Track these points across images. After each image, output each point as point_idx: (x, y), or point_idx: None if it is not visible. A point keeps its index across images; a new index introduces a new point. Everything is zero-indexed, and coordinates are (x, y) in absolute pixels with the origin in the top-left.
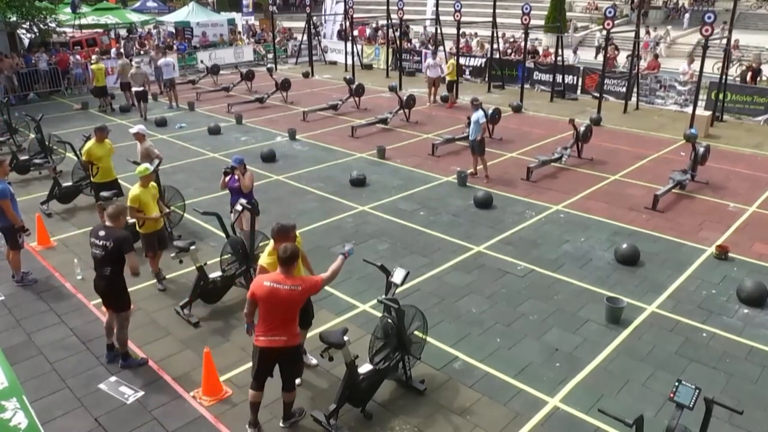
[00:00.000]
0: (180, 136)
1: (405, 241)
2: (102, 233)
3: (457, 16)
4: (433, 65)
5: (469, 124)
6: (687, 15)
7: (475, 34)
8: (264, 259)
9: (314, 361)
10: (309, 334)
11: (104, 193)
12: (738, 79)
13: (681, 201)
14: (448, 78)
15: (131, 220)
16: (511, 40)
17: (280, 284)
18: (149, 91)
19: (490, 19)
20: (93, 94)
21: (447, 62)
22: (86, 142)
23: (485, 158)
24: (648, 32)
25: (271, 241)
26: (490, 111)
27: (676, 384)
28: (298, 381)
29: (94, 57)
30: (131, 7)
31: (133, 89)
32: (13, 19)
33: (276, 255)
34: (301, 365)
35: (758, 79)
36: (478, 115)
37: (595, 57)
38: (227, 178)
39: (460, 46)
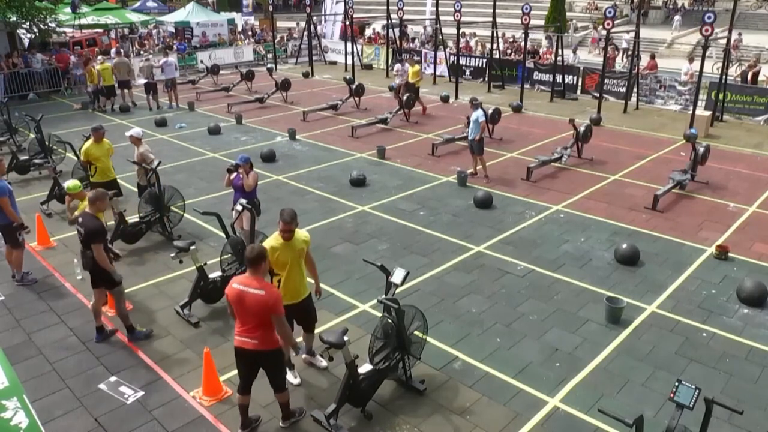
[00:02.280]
0: (180, 136)
1: (405, 241)
2: (80, 220)
3: (457, 16)
4: (401, 71)
5: (468, 123)
6: (677, 17)
7: (474, 34)
8: (268, 242)
9: (324, 364)
10: None
11: None
12: (738, 79)
13: (681, 201)
14: (411, 81)
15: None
16: (511, 40)
17: (246, 287)
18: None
19: (490, 19)
20: (100, 94)
21: (411, 68)
22: (85, 142)
23: (484, 158)
24: (596, 28)
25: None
26: (490, 111)
27: (676, 384)
28: (297, 381)
29: (99, 57)
30: (131, 7)
31: (141, 81)
32: (13, 19)
33: (280, 240)
34: (282, 371)
35: (750, 77)
36: (477, 114)
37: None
38: (232, 176)
39: (461, 46)
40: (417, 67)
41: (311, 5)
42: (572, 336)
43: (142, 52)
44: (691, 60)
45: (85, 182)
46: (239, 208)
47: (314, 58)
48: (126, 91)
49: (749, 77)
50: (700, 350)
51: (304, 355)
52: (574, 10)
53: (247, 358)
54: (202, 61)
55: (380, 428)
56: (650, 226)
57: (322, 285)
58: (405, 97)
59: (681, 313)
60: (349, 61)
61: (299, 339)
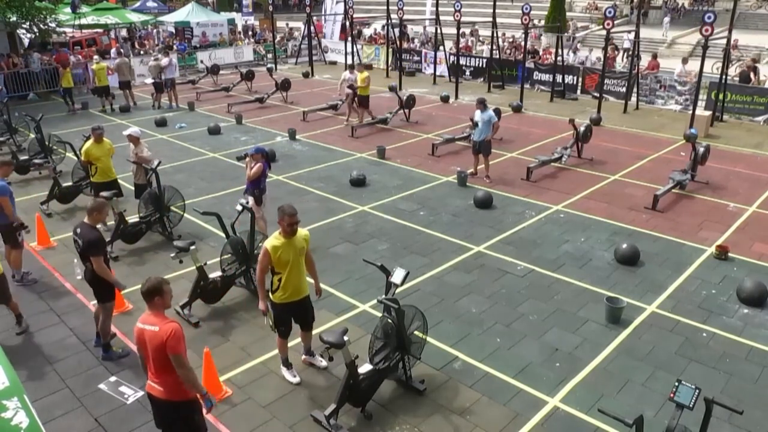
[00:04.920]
0: (180, 136)
1: (405, 241)
2: (78, 230)
3: (457, 16)
4: (350, 79)
5: (475, 125)
6: (666, 18)
7: (473, 32)
8: (269, 241)
9: (324, 364)
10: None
11: (104, 193)
12: (737, 78)
13: (681, 201)
14: (359, 92)
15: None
16: (511, 39)
17: (144, 324)
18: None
19: (490, 19)
20: (95, 94)
21: (360, 74)
22: (85, 143)
23: (488, 159)
24: (534, 27)
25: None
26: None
27: (676, 384)
28: (297, 380)
29: (95, 57)
30: (131, 7)
31: (148, 81)
32: (13, 19)
33: (282, 239)
34: (194, 428)
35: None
36: (489, 114)
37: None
38: (244, 163)
39: (461, 46)
40: (365, 73)
41: (311, 5)
42: (572, 336)
43: (142, 52)
44: (684, 61)
45: (85, 182)
46: (239, 208)
47: (314, 58)
48: (127, 91)
49: (752, 75)
50: (700, 350)
51: (303, 356)
52: (574, 10)
53: (156, 407)
54: (202, 61)
55: (380, 428)
56: (650, 226)
57: (321, 285)
58: (405, 97)
59: (681, 313)
60: (349, 61)
61: (296, 340)
